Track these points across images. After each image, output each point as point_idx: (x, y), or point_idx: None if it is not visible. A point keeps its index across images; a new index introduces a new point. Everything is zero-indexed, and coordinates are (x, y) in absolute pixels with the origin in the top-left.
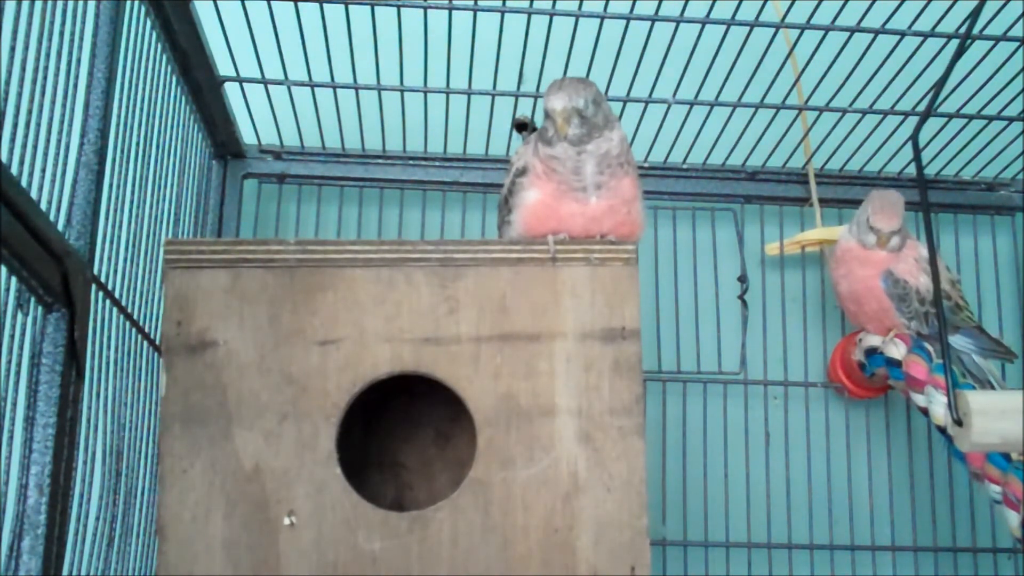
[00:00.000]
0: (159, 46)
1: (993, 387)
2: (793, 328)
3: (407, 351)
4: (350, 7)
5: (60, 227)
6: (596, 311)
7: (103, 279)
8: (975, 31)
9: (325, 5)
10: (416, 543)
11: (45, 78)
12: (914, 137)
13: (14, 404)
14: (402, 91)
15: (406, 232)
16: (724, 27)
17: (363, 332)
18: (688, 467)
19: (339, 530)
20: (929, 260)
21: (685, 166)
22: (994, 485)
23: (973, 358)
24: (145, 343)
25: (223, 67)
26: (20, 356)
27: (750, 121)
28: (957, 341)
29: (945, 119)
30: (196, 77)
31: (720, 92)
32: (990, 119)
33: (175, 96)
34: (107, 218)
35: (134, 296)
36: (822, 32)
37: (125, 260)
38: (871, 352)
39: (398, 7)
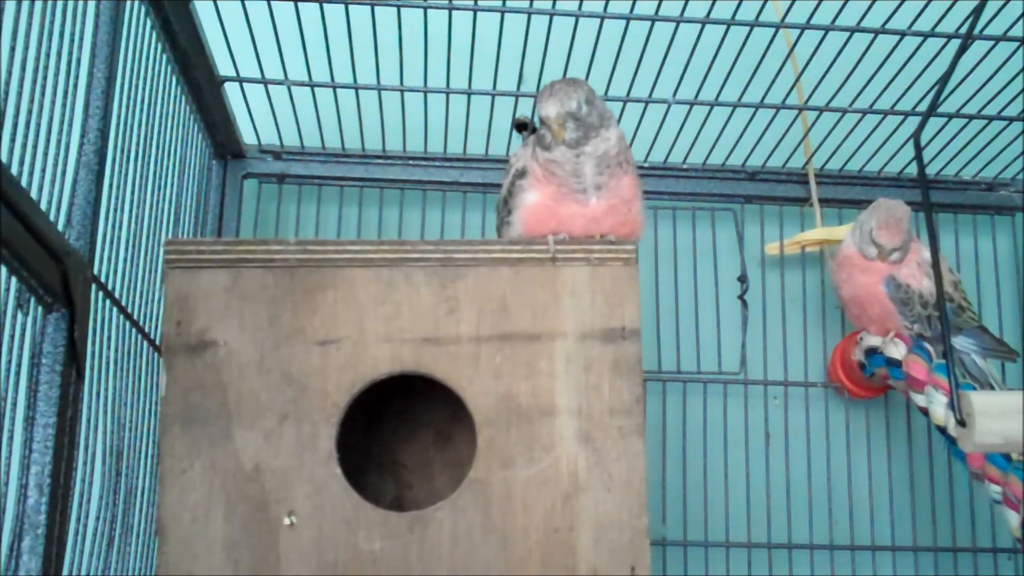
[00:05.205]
0: (159, 46)
1: (993, 388)
2: (793, 328)
3: (407, 351)
4: (350, 7)
5: (60, 227)
6: (596, 311)
7: (103, 279)
8: (976, 31)
9: (325, 5)
10: (416, 543)
11: (45, 78)
12: (916, 137)
13: (14, 404)
14: (402, 91)
15: (406, 232)
16: (724, 27)
17: (363, 332)
18: (688, 467)
19: (339, 530)
20: (932, 261)
21: (685, 166)
22: (994, 485)
23: (974, 359)
24: (145, 343)
25: (223, 67)
26: (20, 356)
27: (750, 121)
28: (959, 342)
29: (945, 119)
30: (196, 77)
31: (720, 92)
32: (990, 119)
33: (175, 96)
34: (107, 218)
35: (134, 296)
36: (822, 32)
37: (125, 260)
38: (871, 352)
39: (398, 7)
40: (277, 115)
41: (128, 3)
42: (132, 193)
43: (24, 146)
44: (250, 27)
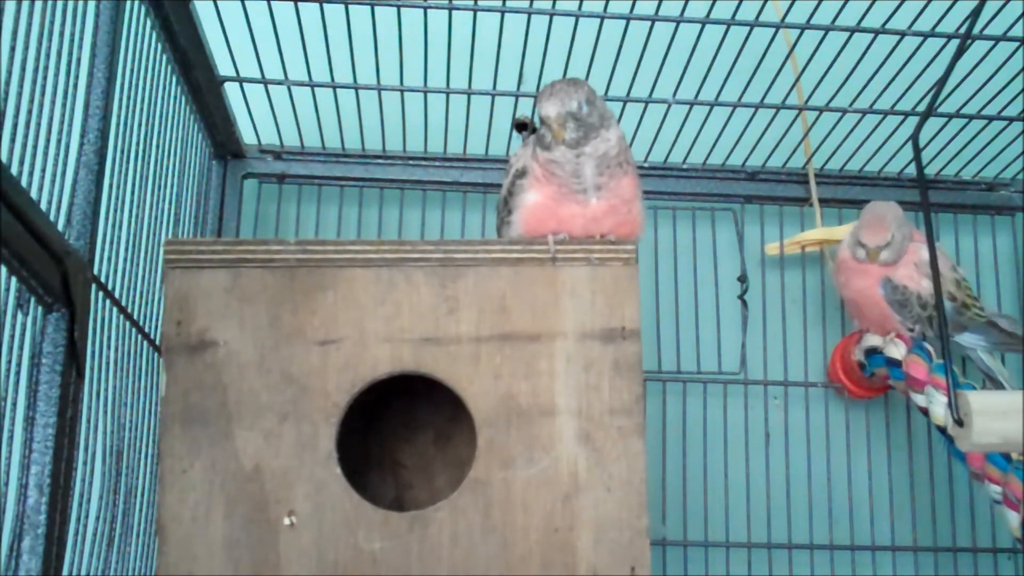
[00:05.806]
0: (159, 46)
1: (1001, 384)
2: (793, 328)
3: (407, 351)
4: (350, 7)
5: (60, 227)
6: (596, 311)
7: (103, 279)
8: (975, 31)
9: (325, 5)
10: (416, 543)
11: (45, 78)
12: (914, 137)
13: (14, 404)
14: (402, 91)
15: (406, 232)
16: (724, 27)
17: (363, 332)
18: (688, 467)
19: (339, 530)
20: (930, 262)
21: (685, 166)
22: (994, 485)
23: (981, 356)
24: (145, 343)
25: (223, 67)
26: (20, 356)
27: (750, 121)
28: (965, 339)
29: (945, 119)
30: (196, 77)
31: (720, 92)
32: (990, 119)
33: (175, 96)
34: (107, 218)
35: (134, 296)
36: (822, 32)
37: (125, 260)
38: (871, 352)
39: (398, 7)
40: (277, 115)
41: (128, 3)
42: (132, 193)
43: (24, 146)
44: (250, 27)
